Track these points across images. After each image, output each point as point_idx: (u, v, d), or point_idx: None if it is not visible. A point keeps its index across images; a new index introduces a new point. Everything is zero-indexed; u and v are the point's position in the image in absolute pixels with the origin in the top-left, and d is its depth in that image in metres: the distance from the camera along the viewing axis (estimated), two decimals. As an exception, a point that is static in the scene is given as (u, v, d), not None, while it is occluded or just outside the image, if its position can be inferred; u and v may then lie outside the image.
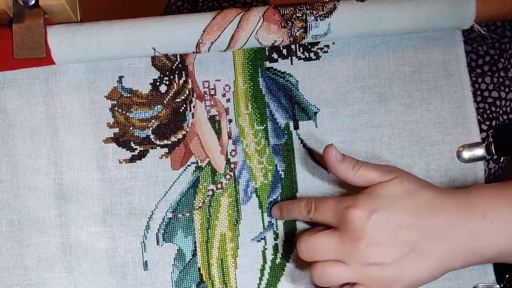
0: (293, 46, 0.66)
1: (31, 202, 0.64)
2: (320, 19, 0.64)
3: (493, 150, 0.65)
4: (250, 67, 0.66)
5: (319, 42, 0.67)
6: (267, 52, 0.67)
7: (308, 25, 0.64)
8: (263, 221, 0.66)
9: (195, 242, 0.66)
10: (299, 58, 0.67)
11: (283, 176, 0.66)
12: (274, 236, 0.66)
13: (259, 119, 0.66)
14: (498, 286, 0.67)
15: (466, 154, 0.66)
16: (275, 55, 0.67)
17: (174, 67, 0.66)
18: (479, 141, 0.66)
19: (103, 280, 0.64)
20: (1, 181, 0.63)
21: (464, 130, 0.67)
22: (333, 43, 0.67)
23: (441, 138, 0.67)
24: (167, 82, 0.66)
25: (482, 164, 0.67)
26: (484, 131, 0.69)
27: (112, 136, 0.65)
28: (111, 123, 0.65)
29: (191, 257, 0.65)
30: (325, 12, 0.64)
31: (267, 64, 0.67)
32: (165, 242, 0.65)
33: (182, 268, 0.65)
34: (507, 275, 0.67)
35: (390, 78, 0.67)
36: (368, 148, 0.67)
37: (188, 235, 0.66)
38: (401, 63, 0.67)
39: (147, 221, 0.65)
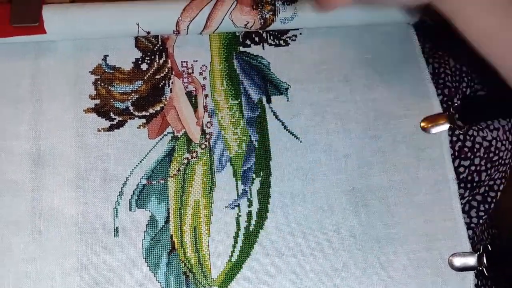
0: (264, 35, 0.52)
1: (6, 165, 0.45)
2: (287, 3, 0.50)
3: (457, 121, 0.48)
4: (225, 51, 0.51)
5: (288, 32, 0.52)
6: (241, 39, 0.51)
7: (276, 8, 0.49)
8: (237, 188, 0.47)
9: (168, 209, 0.45)
10: (270, 45, 0.51)
11: (257, 146, 0.48)
12: (248, 203, 0.46)
13: (233, 95, 0.49)
14: (474, 253, 0.46)
15: (432, 129, 0.49)
16: (248, 41, 0.51)
17: (155, 49, 0.50)
18: (440, 112, 0.49)
19: (70, 246, 0.43)
20: (-22, 145, 0.45)
21: (426, 104, 0.50)
22: (300, 33, 0.52)
23: (404, 113, 0.49)
24: (148, 61, 0.49)
25: (447, 134, 0.49)
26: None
27: (93, 106, 0.48)
28: (93, 95, 0.48)
29: (163, 224, 0.45)
30: (292, -2, 0.50)
31: (241, 48, 0.51)
32: (138, 208, 0.45)
33: (153, 235, 0.45)
34: (481, 246, 0.47)
35: (353, 62, 0.51)
36: (338, 120, 0.49)
37: (161, 201, 0.46)
38: (362, 51, 0.52)
39: (121, 187, 0.46)
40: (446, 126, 0.48)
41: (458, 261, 0.45)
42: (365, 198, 0.47)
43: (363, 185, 0.47)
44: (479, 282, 0.47)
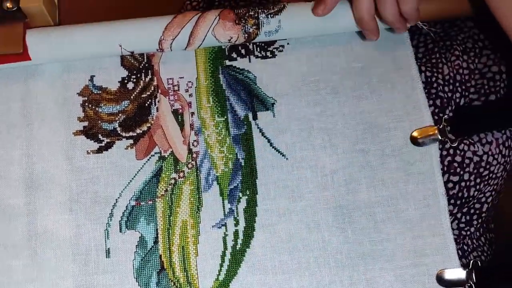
0: (250, 46, 0.50)
1: (2, 190, 0.47)
2: (270, 16, 0.48)
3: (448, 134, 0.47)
4: (211, 65, 0.50)
5: (275, 42, 0.50)
6: (226, 52, 0.50)
7: (260, 22, 0.48)
8: (223, 208, 0.47)
9: (157, 229, 0.47)
10: (257, 57, 0.50)
11: (243, 164, 0.48)
12: (235, 222, 0.47)
13: (219, 111, 0.49)
14: (463, 270, 0.45)
15: (420, 140, 0.48)
16: (234, 55, 0.50)
17: (141, 66, 0.50)
18: (432, 124, 0.48)
19: (65, 267, 0.45)
20: (-25, 171, 0.47)
21: (416, 116, 0.48)
22: (288, 43, 0.50)
23: (394, 125, 0.48)
24: (134, 80, 0.50)
25: (437, 147, 0.48)
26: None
27: (82, 129, 0.48)
28: (82, 117, 0.49)
29: (152, 244, 0.46)
30: (275, 10, 0.48)
31: (227, 62, 0.50)
32: (127, 229, 0.47)
33: (143, 256, 0.46)
34: (472, 261, 0.46)
35: (342, 73, 0.50)
36: (325, 135, 0.48)
37: (150, 222, 0.47)
38: (351, 59, 0.50)
39: (111, 209, 0.47)
40: (436, 139, 0.47)
41: (447, 277, 0.45)
42: (352, 214, 0.47)
43: (350, 202, 0.47)
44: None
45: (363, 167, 0.47)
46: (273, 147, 0.48)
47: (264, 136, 0.48)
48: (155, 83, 0.50)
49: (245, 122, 0.49)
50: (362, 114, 0.49)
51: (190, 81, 0.50)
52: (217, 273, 0.46)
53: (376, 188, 0.47)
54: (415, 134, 0.48)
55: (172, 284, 0.45)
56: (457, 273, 0.45)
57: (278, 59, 0.50)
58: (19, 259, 0.45)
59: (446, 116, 0.48)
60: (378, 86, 0.49)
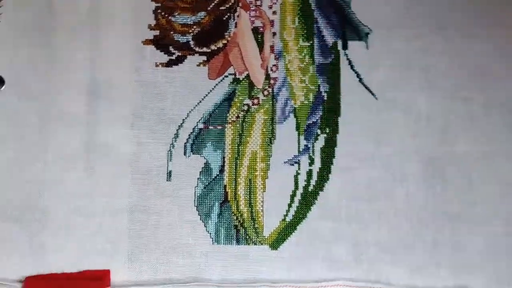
0: (350, -36, 0.44)
1: (62, 96, 0.43)
2: None
3: None
4: (302, -19, 0.44)
5: (378, -39, 0.44)
6: (321, -33, 0.44)
7: None
8: (298, 143, 0.43)
9: (223, 158, 0.43)
10: (355, -24, 0.44)
11: (325, 98, 0.43)
12: (309, 161, 0.42)
13: (305, 35, 0.43)
14: None
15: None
16: (329, -29, 0.44)
17: (223, -26, 0.45)
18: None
19: (123, 185, 0.42)
20: (35, 70, 0.42)
21: None
22: (394, -36, 0.44)
23: (505, 72, 0.42)
24: (214, -11, 0.44)
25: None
26: None
27: (152, 38, 0.44)
28: (153, 25, 0.44)
29: (218, 173, 0.42)
30: None
31: (321, -21, 0.44)
32: (192, 153, 0.43)
33: (207, 184, 0.42)
34: None
35: (452, 4, 0.43)
36: (422, 74, 0.42)
37: (217, 149, 0.43)
38: (467, -9, 0.43)
39: (177, 129, 0.43)
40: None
41: (543, 251, 0.40)
42: (444, 169, 0.41)
43: (443, 154, 0.41)
44: None
45: (464, 117, 0.41)
46: (362, 83, 0.42)
47: (353, 70, 0.43)
48: (236, -5, 0.44)
49: (333, 51, 0.43)
50: (471, 56, 0.42)
51: (276, -3, 0.44)
52: (285, 213, 0.41)
53: (476, 142, 0.41)
54: (532, 85, 0.41)
55: (235, 218, 0.42)
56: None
57: (380, -18, 0.43)
58: (75, 171, 0.42)
59: None
60: (493, 26, 0.42)
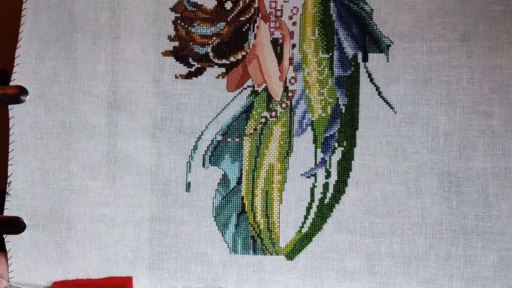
0: (371, -27, 0.43)
1: (84, 107, 0.44)
2: None
3: None
4: (322, -9, 0.44)
5: (401, -30, 0.43)
6: (342, -23, 0.44)
7: None
8: (315, 156, 0.43)
9: (241, 169, 0.43)
10: (376, -14, 0.43)
11: (343, 111, 0.43)
12: (326, 174, 0.43)
13: (325, 47, 0.43)
14: None
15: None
16: (350, -19, 0.43)
17: (242, -16, 0.44)
18: None
19: (143, 195, 0.44)
20: (58, 83, 0.44)
21: None
22: (417, -27, 0.43)
23: (530, 88, 0.41)
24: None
25: None
26: None
27: (172, 49, 0.44)
28: (172, 36, 0.44)
29: (235, 184, 0.43)
30: None
31: (341, -11, 0.44)
32: (211, 165, 0.44)
33: (225, 195, 0.43)
34: None
35: (477, 16, 0.42)
36: (443, 90, 0.42)
37: (235, 161, 0.44)
38: (491, 0, 0.42)
39: (196, 141, 0.44)
40: None
41: (558, 268, 0.40)
42: (461, 184, 0.41)
43: (460, 169, 0.41)
44: None
45: (483, 132, 0.41)
46: (381, 97, 0.42)
47: (373, 83, 0.42)
48: (256, 5, 0.44)
49: (353, 63, 0.43)
50: (494, 69, 0.41)
51: (295, 7, 0.43)
52: (301, 225, 0.42)
53: (494, 157, 0.41)
54: (556, 102, 0.40)
55: (252, 228, 0.43)
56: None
57: (402, -8, 0.42)
58: (97, 181, 0.44)
59: None
60: (519, 38, 0.41)
